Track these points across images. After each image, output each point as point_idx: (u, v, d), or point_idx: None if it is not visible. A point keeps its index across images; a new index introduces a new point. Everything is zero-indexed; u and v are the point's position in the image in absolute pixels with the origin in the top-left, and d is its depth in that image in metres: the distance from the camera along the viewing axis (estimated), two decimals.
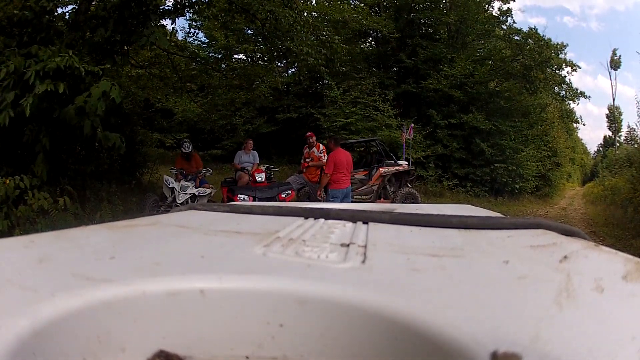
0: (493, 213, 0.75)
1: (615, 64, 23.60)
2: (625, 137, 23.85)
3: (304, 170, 6.01)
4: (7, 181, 3.63)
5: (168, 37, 6.05)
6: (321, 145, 5.97)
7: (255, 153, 5.92)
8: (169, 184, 4.98)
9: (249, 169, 5.64)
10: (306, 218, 0.57)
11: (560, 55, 12.11)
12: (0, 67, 3.48)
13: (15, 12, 3.73)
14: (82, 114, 3.57)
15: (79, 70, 3.47)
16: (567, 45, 12.13)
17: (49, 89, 3.39)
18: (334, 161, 4.64)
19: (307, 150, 6.06)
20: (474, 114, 11.26)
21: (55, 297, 0.26)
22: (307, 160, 6.02)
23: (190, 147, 5.58)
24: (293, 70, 12.83)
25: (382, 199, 6.67)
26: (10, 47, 3.82)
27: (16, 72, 3.45)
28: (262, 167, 5.79)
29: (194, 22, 10.70)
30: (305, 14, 6.33)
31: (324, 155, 5.65)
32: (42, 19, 4.13)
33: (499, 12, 12.95)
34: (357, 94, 10.90)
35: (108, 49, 4.61)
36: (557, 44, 11.92)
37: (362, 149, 8.41)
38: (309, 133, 6.24)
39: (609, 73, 25.52)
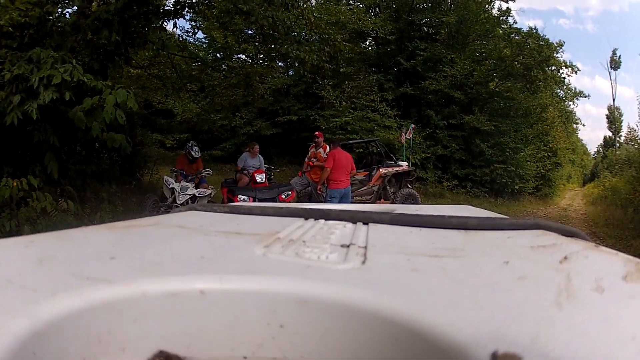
0: (493, 214, 0.75)
1: (615, 64, 23.65)
2: (626, 137, 23.86)
3: (309, 169, 6.01)
4: (15, 183, 3.63)
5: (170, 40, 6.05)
6: (328, 146, 5.99)
7: (261, 158, 5.90)
8: (169, 185, 4.97)
9: (251, 171, 5.64)
10: (306, 219, 0.57)
11: (557, 56, 12.11)
12: (4, 71, 3.47)
13: (18, 18, 3.72)
14: (90, 116, 3.56)
15: (85, 85, 3.48)
16: (565, 42, 12.14)
17: (54, 97, 3.39)
18: (334, 157, 4.72)
19: (313, 149, 6.05)
20: (476, 115, 11.24)
21: (56, 297, 0.26)
22: (312, 160, 6.02)
23: (199, 152, 5.54)
24: (292, 71, 12.81)
25: (382, 200, 6.67)
26: (11, 47, 3.81)
27: (19, 79, 3.45)
28: (262, 168, 5.79)
29: (194, 22, 10.70)
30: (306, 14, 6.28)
31: None
32: (45, 23, 4.12)
33: (498, 12, 12.98)
34: (355, 94, 10.88)
35: (110, 51, 4.61)
36: (555, 43, 11.93)
37: (362, 149, 8.41)
38: (317, 133, 6.25)
39: (609, 73, 25.59)
